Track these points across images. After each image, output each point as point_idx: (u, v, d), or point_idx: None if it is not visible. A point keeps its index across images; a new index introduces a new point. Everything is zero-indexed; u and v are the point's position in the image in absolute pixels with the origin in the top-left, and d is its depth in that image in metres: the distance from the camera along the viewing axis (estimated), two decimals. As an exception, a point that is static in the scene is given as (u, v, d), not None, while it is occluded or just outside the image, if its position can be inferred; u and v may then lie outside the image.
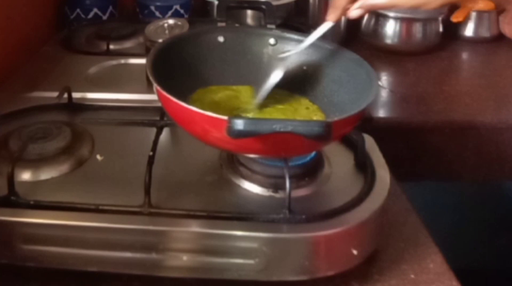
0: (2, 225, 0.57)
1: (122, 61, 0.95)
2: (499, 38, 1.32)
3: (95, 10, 1.14)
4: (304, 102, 0.70)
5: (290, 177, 0.58)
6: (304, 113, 0.68)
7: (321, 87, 0.70)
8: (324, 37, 0.69)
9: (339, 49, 0.71)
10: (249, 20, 1.06)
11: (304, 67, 0.72)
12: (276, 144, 0.55)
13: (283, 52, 0.70)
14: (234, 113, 0.66)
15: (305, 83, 0.69)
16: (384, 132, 0.82)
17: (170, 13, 1.15)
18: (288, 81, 0.69)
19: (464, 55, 1.33)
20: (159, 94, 0.59)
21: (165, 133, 0.70)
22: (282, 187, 0.60)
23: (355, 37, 1.27)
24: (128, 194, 0.60)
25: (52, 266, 0.58)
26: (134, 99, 0.81)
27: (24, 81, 0.87)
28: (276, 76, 0.67)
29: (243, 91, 0.70)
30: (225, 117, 0.52)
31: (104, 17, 1.16)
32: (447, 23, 1.27)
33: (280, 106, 0.68)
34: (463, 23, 1.31)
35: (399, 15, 1.22)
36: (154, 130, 0.69)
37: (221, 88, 0.71)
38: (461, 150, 1.02)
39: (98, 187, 0.63)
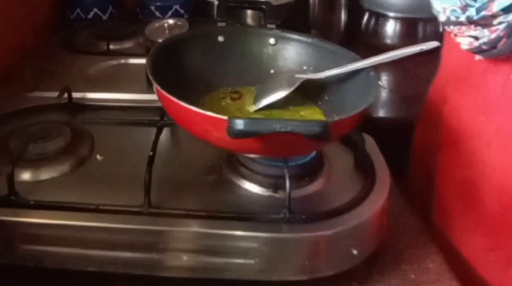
0: (2, 225, 0.57)
1: (122, 61, 0.95)
2: (499, 38, 1.32)
3: (95, 10, 1.14)
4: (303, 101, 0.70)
5: (290, 177, 0.58)
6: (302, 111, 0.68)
7: (320, 87, 0.70)
8: (324, 37, 0.69)
9: (339, 49, 0.71)
10: (249, 20, 1.06)
11: (304, 67, 0.72)
12: (276, 144, 0.55)
13: (323, 71, 0.68)
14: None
15: (304, 83, 0.69)
16: (384, 132, 0.82)
17: (170, 13, 1.15)
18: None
19: (464, 55, 1.32)
20: (159, 94, 0.59)
21: (165, 133, 0.70)
22: (282, 187, 0.60)
23: (355, 37, 1.27)
24: (128, 194, 0.60)
25: (52, 266, 0.58)
26: (134, 99, 0.81)
27: (24, 81, 0.87)
28: (283, 93, 0.66)
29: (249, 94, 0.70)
30: (225, 117, 0.52)
31: (104, 17, 1.16)
32: (447, 23, 1.27)
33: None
34: (463, 23, 1.31)
35: (399, 15, 1.23)
36: (154, 130, 0.69)
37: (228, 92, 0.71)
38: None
39: (98, 187, 0.63)
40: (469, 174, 0.71)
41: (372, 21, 1.26)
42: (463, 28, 0.66)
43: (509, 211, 0.67)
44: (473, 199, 0.71)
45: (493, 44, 0.63)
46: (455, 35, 0.69)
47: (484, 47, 0.64)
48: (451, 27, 0.68)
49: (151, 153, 0.62)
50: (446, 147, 0.77)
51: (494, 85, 0.67)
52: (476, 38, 0.65)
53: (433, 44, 0.63)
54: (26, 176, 0.63)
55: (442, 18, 0.68)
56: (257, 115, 0.66)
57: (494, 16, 0.61)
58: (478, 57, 0.68)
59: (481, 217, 0.71)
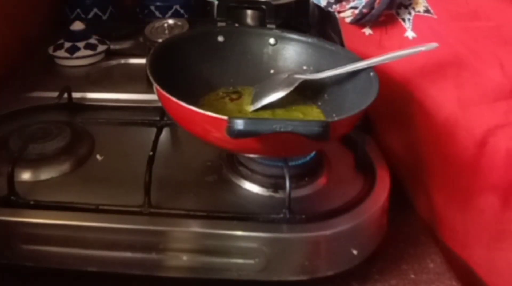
0: (2, 225, 0.57)
1: (122, 61, 0.95)
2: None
3: (95, 10, 1.14)
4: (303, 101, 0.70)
5: (290, 177, 0.58)
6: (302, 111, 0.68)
7: (320, 87, 0.70)
8: (324, 37, 0.69)
9: (339, 49, 0.71)
10: (249, 20, 1.06)
11: (304, 67, 0.72)
12: (276, 144, 0.55)
13: (323, 71, 0.68)
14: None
15: (304, 83, 0.69)
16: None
17: (170, 13, 1.15)
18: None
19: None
20: (159, 94, 0.59)
21: (165, 133, 0.70)
22: (282, 187, 0.60)
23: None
24: (128, 194, 0.60)
25: (52, 266, 0.58)
26: (134, 99, 0.81)
27: (24, 81, 0.87)
28: (281, 94, 0.66)
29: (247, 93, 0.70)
30: (225, 117, 0.52)
31: (104, 17, 1.16)
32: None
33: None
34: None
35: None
36: (154, 130, 0.69)
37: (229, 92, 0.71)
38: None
39: (98, 187, 0.63)
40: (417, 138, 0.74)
41: (372, 21, 1.26)
42: (344, 2, 0.75)
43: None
44: (429, 160, 0.73)
45: (371, 5, 0.71)
46: (339, 12, 0.76)
47: (364, 10, 0.72)
48: (333, 6, 0.77)
49: (151, 153, 0.62)
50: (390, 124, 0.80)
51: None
52: (356, 7, 0.73)
53: (432, 45, 0.64)
54: (26, 176, 0.63)
55: (323, 3, 0.78)
56: (257, 115, 0.66)
57: None
58: (367, 31, 0.75)
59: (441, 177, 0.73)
